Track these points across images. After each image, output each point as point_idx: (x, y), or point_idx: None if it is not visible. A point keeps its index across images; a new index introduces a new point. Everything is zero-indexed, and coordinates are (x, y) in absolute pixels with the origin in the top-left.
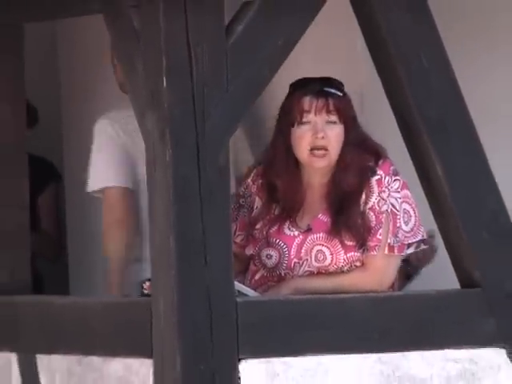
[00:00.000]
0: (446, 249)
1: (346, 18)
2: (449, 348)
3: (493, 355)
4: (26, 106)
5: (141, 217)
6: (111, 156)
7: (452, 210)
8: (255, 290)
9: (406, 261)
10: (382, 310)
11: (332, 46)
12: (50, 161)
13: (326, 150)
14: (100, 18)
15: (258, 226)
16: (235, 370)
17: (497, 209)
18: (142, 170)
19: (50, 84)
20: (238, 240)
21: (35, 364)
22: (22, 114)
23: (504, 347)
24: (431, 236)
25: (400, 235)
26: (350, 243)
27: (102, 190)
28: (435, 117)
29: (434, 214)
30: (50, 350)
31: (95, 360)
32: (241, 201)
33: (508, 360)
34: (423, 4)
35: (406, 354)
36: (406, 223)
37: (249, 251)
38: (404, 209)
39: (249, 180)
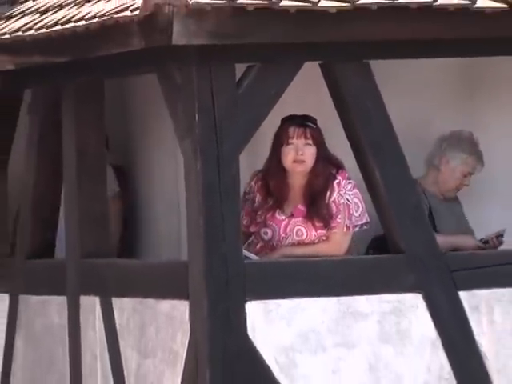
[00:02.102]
0: (383, 229)
1: (318, 81)
2: (384, 293)
3: (413, 298)
4: (106, 137)
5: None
6: None
7: (387, 203)
8: (256, 255)
9: (487, 242)
10: (340, 268)
11: (308, 97)
12: (120, 166)
13: (304, 161)
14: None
15: (259, 213)
16: (243, 308)
17: (416, 204)
18: None
19: (119, 120)
20: (244, 222)
21: (111, 304)
22: (103, 140)
23: (420, 293)
24: (501, 234)
25: (353, 219)
26: (319, 224)
27: None
28: (375, 141)
29: (374, 206)
30: (121, 295)
31: (150, 301)
32: (246, 196)
33: (423, 301)
34: (368, 70)
35: (356, 297)
36: (356, 211)
37: (252, 229)
38: (354, 202)
39: (252, 183)
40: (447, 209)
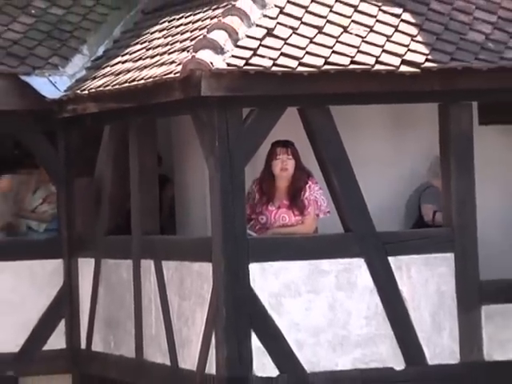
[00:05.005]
0: (339, 216)
1: (296, 120)
2: (339, 258)
3: (358, 261)
4: (158, 157)
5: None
6: None
7: (341, 200)
8: (256, 233)
9: (438, 225)
10: (310, 241)
11: (290, 131)
12: (168, 175)
13: (287, 169)
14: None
15: (257, 206)
16: (247, 268)
17: (360, 205)
18: None
19: (167, 146)
20: (248, 212)
21: (161, 265)
22: (156, 159)
23: (363, 258)
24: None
25: (322, 208)
26: (297, 213)
27: None
28: (333, 160)
29: (333, 201)
30: (167, 259)
31: (187, 263)
32: (249, 196)
33: (365, 263)
34: (328, 113)
35: (321, 260)
36: (324, 203)
37: (253, 217)
38: (322, 198)
39: (253, 186)
40: None
